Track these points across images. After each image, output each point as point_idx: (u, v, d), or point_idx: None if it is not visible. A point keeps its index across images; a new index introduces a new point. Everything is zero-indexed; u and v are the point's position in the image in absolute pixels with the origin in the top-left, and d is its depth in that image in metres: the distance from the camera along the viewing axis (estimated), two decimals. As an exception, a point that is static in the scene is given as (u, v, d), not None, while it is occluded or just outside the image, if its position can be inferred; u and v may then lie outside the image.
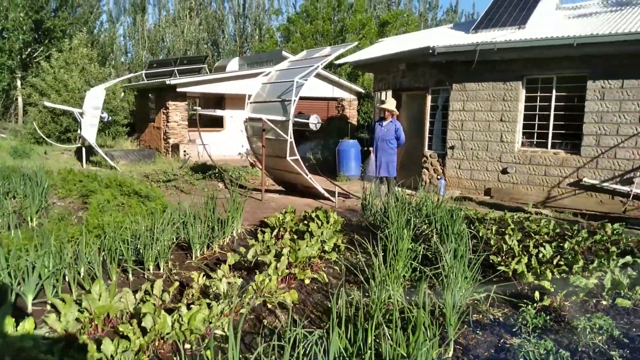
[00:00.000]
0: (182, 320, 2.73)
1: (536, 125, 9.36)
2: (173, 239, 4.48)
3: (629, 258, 4.17)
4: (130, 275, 3.99)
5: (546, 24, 10.09)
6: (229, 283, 3.36)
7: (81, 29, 26.79)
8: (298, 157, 7.78)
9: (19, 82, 26.80)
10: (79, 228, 4.62)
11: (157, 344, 2.66)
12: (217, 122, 19.40)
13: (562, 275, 4.11)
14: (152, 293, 3.26)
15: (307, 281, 3.99)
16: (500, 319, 3.41)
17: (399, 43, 13.12)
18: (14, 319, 2.56)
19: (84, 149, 13.02)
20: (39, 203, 6.15)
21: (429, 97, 10.78)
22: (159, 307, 3.14)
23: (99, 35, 30.39)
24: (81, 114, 12.29)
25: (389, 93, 11.86)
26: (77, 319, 2.75)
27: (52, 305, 3.39)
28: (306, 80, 7.66)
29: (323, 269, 4.33)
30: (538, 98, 9.28)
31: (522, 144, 9.57)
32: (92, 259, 3.68)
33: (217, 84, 17.27)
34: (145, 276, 4.09)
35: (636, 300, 3.60)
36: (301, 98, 18.06)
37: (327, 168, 13.53)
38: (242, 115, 8.33)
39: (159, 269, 4.26)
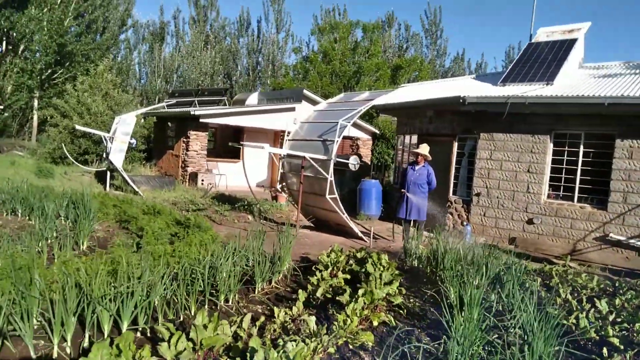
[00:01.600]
0: (288, 357, 2.83)
1: (563, 179, 9.59)
2: (241, 272, 4.58)
3: (686, 318, 4.28)
4: (206, 307, 4.08)
5: (572, 82, 10.48)
6: (315, 322, 3.46)
7: (104, 54, 27.45)
8: (337, 195, 7.96)
9: (35, 102, 27.21)
10: (142, 255, 4.72)
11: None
12: (235, 153, 19.66)
13: (622, 332, 4.21)
14: (241, 326, 3.35)
15: (375, 323, 4.08)
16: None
17: (422, 90, 13.53)
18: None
19: (108, 173, 13.18)
20: (89, 227, 6.25)
21: (455, 144, 11.06)
22: (245, 341, 3.24)
23: (120, 62, 31.03)
24: (111, 138, 12.50)
25: (415, 137, 12.15)
26: (188, 349, 2.84)
27: (142, 333, 3.48)
28: (349, 122, 7.92)
29: (387, 312, 4.42)
30: (566, 152, 9.55)
31: (549, 196, 9.77)
32: (166, 288, 3.76)
33: (237, 117, 17.61)
34: (218, 307, 4.18)
35: None
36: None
37: (345, 206, 13.70)
38: (279, 151, 8.53)
39: (228, 302, 4.35)
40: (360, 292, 4.07)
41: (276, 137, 19.85)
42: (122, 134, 12.39)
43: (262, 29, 40.48)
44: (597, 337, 4.15)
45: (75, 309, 3.06)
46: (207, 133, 17.80)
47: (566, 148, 9.56)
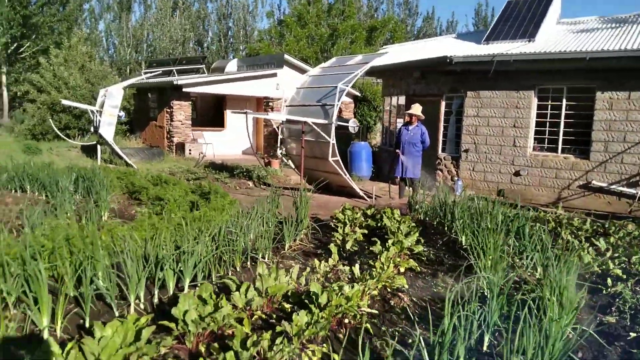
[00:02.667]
0: (347, 297, 3.18)
1: (547, 132, 10.09)
2: (273, 232, 4.87)
3: (674, 250, 4.81)
4: (249, 263, 4.39)
5: (552, 38, 10.86)
6: (359, 269, 3.82)
7: (71, 26, 26.53)
8: (339, 158, 8.25)
9: (4, 78, 26.29)
10: (176, 220, 4.96)
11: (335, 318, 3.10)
12: (219, 122, 19.64)
13: (621, 265, 4.72)
14: (291, 276, 3.68)
15: (402, 269, 4.46)
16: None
17: (406, 51, 13.72)
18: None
19: (99, 147, 13.12)
20: (107, 199, 6.41)
21: (442, 103, 11.42)
22: (298, 289, 3.58)
23: (88, 33, 30.02)
24: (99, 112, 12.40)
25: (402, 98, 12.44)
26: (256, 296, 3.15)
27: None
28: (348, 86, 8.14)
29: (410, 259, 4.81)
30: (549, 106, 10.01)
31: (534, 149, 10.29)
32: (207, 249, 4.04)
33: (220, 85, 17.53)
34: (258, 263, 4.49)
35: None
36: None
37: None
38: (280, 117, 8.71)
39: (265, 258, 4.67)
40: (390, 242, 4.44)
41: (259, 104, 19.84)
42: (110, 107, 12.29)
43: (231, -8, 39.53)
44: (599, 271, 4.64)
45: (144, 268, 3.33)
46: (190, 102, 17.71)
47: (549, 102, 10.02)
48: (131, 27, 35.67)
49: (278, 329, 2.80)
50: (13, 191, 7.80)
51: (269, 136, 19.29)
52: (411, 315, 3.62)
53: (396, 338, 3.13)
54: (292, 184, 10.37)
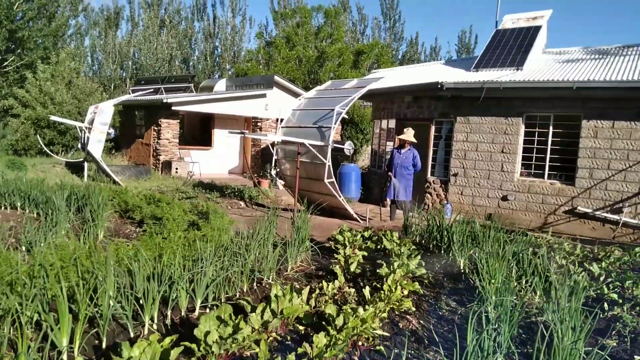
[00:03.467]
0: (363, 319, 3.21)
1: (534, 158, 10.36)
2: (277, 254, 4.89)
3: (666, 275, 4.98)
4: (255, 284, 4.39)
5: (540, 66, 11.24)
6: (369, 291, 3.86)
7: (57, 41, 26.35)
8: (334, 179, 8.34)
9: (-13, 91, 25.85)
10: (181, 240, 4.95)
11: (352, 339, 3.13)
12: (206, 140, 19.62)
13: (615, 289, 4.86)
14: (302, 298, 3.71)
15: (405, 292, 4.52)
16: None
17: (396, 75, 14.01)
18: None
19: (85, 164, 12.98)
20: (103, 218, 6.36)
21: (432, 127, 11.65)
22: (312, 310, 3.61)
23: (74, 49, 29.83)
24: (88, 129, 12.31)
25: (392, 122, 12.66)
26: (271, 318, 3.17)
27: (211, 308, 3.77)
28: (344, 109, 8.28)
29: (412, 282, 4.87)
30: (536, 133, 10.31)
31: (521, 174, 10.54)
32: (228, 269, 4.05)
33: (209, 104, 17.57)
34: (263, 284, 4.50)
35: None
36: (280, 120, 18.61)
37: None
38: (276, 138, 8.78)
39: (269, 279, 4.68)
40: (396, 264, 4.49)
41: (247, 124, 19.91)
42: (100, 124, 12.21)
43: (217, 13, 39.89)
44: (594, 295, 4.77)
45: (158, 289, 3.32)
46: (178, 121, 17.67)
47: (537, 129, 10.32)
48: (117, 43, 35.59)
49: (299, 350, 2.82)
50: (3, 208, 7.68)
51: (256, 156, 19.33)
52: (422, 337, 3.67)
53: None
54: (284, 204, 10.39)
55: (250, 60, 30.51)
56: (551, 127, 10.13)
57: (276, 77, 18.63)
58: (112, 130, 12.68)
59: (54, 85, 18.17)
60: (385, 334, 3.54)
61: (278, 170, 9.38)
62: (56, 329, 2.68)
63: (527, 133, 10.44)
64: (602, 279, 5.17)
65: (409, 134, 9.61)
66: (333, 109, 8.26)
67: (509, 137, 10.51)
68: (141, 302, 3.22)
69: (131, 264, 3.75)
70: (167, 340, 2.58)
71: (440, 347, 3.41)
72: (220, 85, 20.83)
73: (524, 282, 4.77)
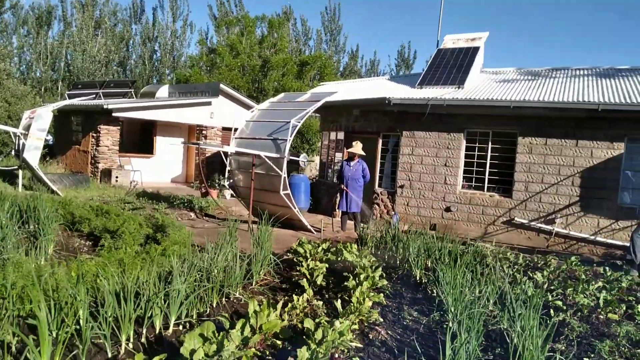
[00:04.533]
0: (341, 332, 3.33)
1: (474, 171, 10.96)
2: (245, 268, 4.90)
3: (600, 284, 5.48)
4: (224, 299, 4.38)
5: (479, 85, 11.95)
6: (341, 303, 3.98)
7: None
8: (289, 191, 8.41)
9: None
10: (140, 257, 4.85)
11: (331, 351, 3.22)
12: (147, 148, 19.03)
13: (559, 297, 5.28)
14: (276, 312, 3.76)
15: (370, 303, 4.68)
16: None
17: (342, 89, 14.34)
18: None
19: (20, 172, 12.25)
20: (52, 232, 6.08)
21: (380, 141, 12.04)
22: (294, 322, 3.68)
23: (3, 48, 27.99)
24: (24, 135, 11.63)
25: (341, 134, 12.94)
26: (251, 333, 3.20)
27: (184, 326, 3.73)
28: (300, 122, 8.41)
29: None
30: (476, 148, 10.92)
31: (463, 187, 11.11)
32: (200, 286, 4.02)
33: (151, 111, 17.11)
34: (231, 299, 4.50)
35: (620, 315, 4.85)
36: (228, 129, 18.51)
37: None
38: (229, 149, 8.74)
39: (236, 294, 4.68)
40: (362, 276, 4.65)
41: (191, 132, 19.55)
42: (37, 130, 11.57)
43: (158, 17, 38.88)
44: (541, 302, 5.15)
45: (134, 308, 3.26)
46: (118, 127, 17.05)
47: (477, 144, 10.93)
48: (49, 44, 33.76)
49: (284, 365, 2.89)
50: None
51: (200, 165, 18.99)
52: (392, 347, 3.83)
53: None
54: (235, 215, 10.32)
55: (192, 66, 29.99)
56: (490, 143, 10.77)
57: (222, 86, 18.47)
58: (50, 137, 12.03)
59: (-20, 87, 16.98)
60: (359, 345, 3.67)
61: (231, 181, 9.31)
62: (36, 352, 2.59)
63: (468, 148, 11.03)
64: (545, 286, 5.59)
65: (357, 147, 9.89)
66: (289, 122, 8.36)
67: (452, 151, 11.06)
68: (117, 321, 3.16)
69: (98, 283, 3.65)
70: (156, 359, 2.56)
71: (412, 357, 3.59)
72: (163, 91, 20.32)
73: (477, 292, 5.08)
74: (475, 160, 10.94)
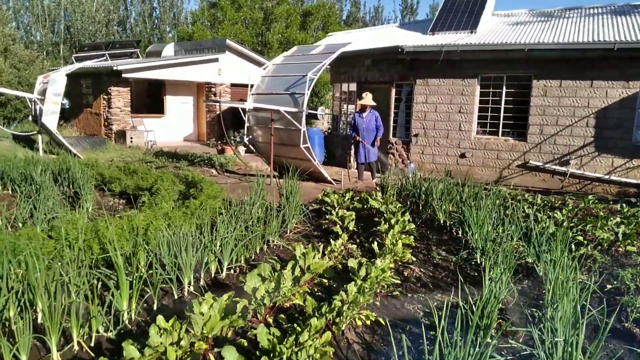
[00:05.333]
0: (382, 269, 3.60)
1: (489, 117, 11.04)
2: (281, 218, 5.15)
3: (618, 219, 5.71)
4: (265, 246, 4.67)
5: (492, 29, 11.81)
6: (376, 245, 4.25)
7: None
8: (309, 144, 8.59)
9: None
10: (184, 210, 5.11)
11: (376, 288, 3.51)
12: (158, 108, 19.12)
13: (578, 233, 5.53)
14: (311, 256, 4.04)
15: (400, 245, 4.96)
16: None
17: (352, 38, 14.20)
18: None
19: (40, 137, 12.48)
20: (90, 192, 6.35)
21: (393, 90, 12.07)
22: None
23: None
24: (41, 100, 11.77)
25: (353, 85, 12.95)
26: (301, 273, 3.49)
27: (235, 270, 4.03)
28: (316, 75, 8.46)
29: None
30: (491, 93, 10.95)
31: (477, 132, 11.22)
32: (247, 234, 4.29)
33: (159, 70, 17.07)
34: (271, 245, 4.80)
35: (638, 247, 5.10)
36: (237, 85, 18.48)
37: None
38: (247, 105, 8.85)
39: (274, 241, 4.96)
40: (393, 220, 4.90)
41: (200, 90, 19.54)
42: (53, 95, 11.69)
43: (156, -29, 37.83)
44: (566, 236, 5.41)
45: (193, 255, 3.53)
46: (128, 88, 17.08)
47: (491, 89, 10.95)
48: (45, 6, 33.17)
49: (337, 297, 3.15)
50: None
51: (211, 122, 19.12)
52: (426, 282, 4.12)
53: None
54: (254, 170, 10.56)
55: (194, 22, 29.49)
56: (504, 87, 10.79)
57: (228, 41, 18.29)
58: (66, 101, 12.12)
59: (-12, 53, 16.97)
60: (397, 281, 3.96)
61: (250, 137, 9.48)
62: (117, 294, 2.87)
63: (482, 93, 11.06)
64: (564, 224, 5.83)
65: (367, 99, 9.96)
66: (305, 75, 8.42)
67: (466, 97, 11.10)
68: (178, 268, 3.44)
69: (150, 234, 3.92)
70: (225, 296, 2.83)
71: (447, 291, 3.89)
72: (169, 49, 20.15)
73: (500, 230, 5.33)
74: (490, 105, 10.99)
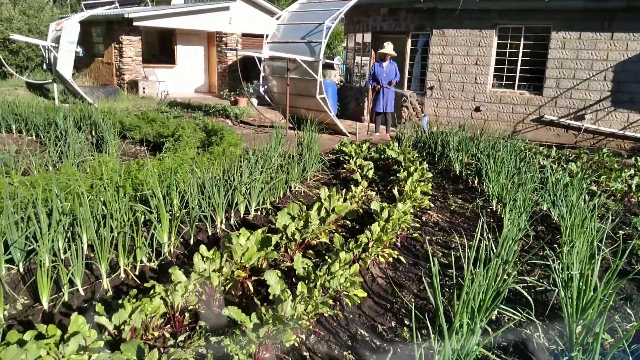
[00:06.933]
0: (405, 212, 3.77)
1: (505, 69, 10.93)
2: (302, 166, 5.29)
3: (632, 171, 5.80)
4: (288, 191, 4.84)
5: (512, -21, 11.47)
6: (397, 191, 4.41)
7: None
8: (325, 95, 8.61)
9: None
10: (209, 155, 5.26)
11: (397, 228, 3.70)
12: (168, 58, 18.99)
13: (592, 184, 5.64)
14: (335, 198, 4.20)
15: (419, 192, 5.11)
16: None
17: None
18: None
19: (55, 85, 12.55)
20: (115, 139, 6.51)
21: (409, 41, 11.90)
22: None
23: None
24: (55, 48, 11.76)
25: (367, 35, 12.77)
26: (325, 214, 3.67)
27: (261, 212, 4.21)
28: (334, 23, 8.38)
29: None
30: (508, 45, 10.80)
31: (493, 85, 11.15)
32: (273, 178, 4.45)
33: (171, 19, 16.84)
34: (293, 190, 4.97)
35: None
36: (248, 35, 18.24)
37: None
38: (262, 54, 8.83)
39: (295, 187, 5.13)
40: (412, 169, 5.03)
41: (210, 39, 19.30)
42: (67, 43, 11.68)
43: None
44: (582, 184, 5.53)
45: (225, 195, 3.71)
46: (140, 37, 16.93)
47: (509, 41, 10.79)
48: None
49: (361, 236, 3.33)
50: (-3, 131, 7.58)
51: (222, 73, 19.00)
52: (444, 227, 4.30)
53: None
54: (268, 122, 10.64)
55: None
56: (522, 39, 10.62)
57: (238, -11, 17.89)
58: (80, 49, 12.11)
59: (-3, 0, 16.78)
60: (417, 224, 4.13)
61: (265, 87, 9.50)
62: (159, 227, 3.06)
63: (499, 45, 10.90)
64: (579, 175, 5.93)
65: (388, 48, 9.87)
66: (322, 23, 8.34)
67: (483, 49, 10.95)
68: (213, 206, 3.62)
69: (190, 175, 4.08)
70: (260, 230, 3.01)
71: (462, 235, 4.06)
72: (178, -3, 19.80)
73: (516, 180, 5.45)
74: (507, 57, 10.86)
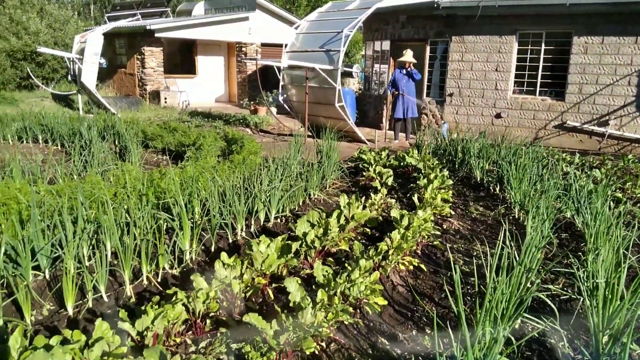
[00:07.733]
0: (425, 219, 3.74)
1: (526, 75, 10.81)
2: (321, 174, 5.31)
3: (659, 176, 5.67)
4: (307, 199, 4.86)
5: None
6: (417, 198, 4.39)
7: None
8: (344, 103, 8.64)
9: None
10: (229, 164, 5.31)
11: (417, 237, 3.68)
12: (189, 68, 19.28)
13: (618, 190, 5.52)
14: (355, 206, 4.20)
15: (439, 199, 5.07)
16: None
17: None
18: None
19: (79, 96, 12.84)
20: (138, 148, 6.62)
21: (427, 48, 11.87)
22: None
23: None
24: (80, 60, 12.06)
25: (386, 43, 12.78)
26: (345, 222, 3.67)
27: (281, 219, 4.23)
28: (352, 31, 8.42)
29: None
30: (529, 51, 10.68)
31: (514, 92, 11.03)
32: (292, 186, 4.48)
33: (191, 30, 17.13)
34: (312, 198, 4.98)
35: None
36: (267, 45, 18.42)
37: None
38: (281, 63, 8.91)
39: (315, 194, 5.14)
40: (432, 176, 5.00)
41: (230, 49, 19.56)
42: (91, 55, 11.97)
43: None
44: (607, 191, 5.42)
45: (245, 202, 3.74)
46: (161, 48, 17.25)
47: (529, 47, 10.68)
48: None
49: (381, 244, 3.32)
50: (25, 141, 7.79)
51: (242, 83, 19.21)
52: (465, 235, 4.25)
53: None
54: (287, 130, 10.70)
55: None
56: (543, 44, 10.50)
57: (258, -1, 18.13)
58: (103, 61, 12.40)
59: (24, 14, 17.29)
60: (437, 232, 4.10)
61: (284, 96, 9.57)
62: (180, 234, 3.10)
63: (520, 51, 10.80)
64: (604, 182, 5.82)
65: (408, 55, 9.87)
66: (341, 32, 8.39)
67: (503, 55, 10.86)
68: (233, 214, 3.65)
69: (211, 184, 4.13)
70: (280, 238, 3.03)
71: (484, 243, 4.01)
72: (199, 8, 20.12)
73: (539, 187, 5.37)
74: (528, 63, 10.74)
